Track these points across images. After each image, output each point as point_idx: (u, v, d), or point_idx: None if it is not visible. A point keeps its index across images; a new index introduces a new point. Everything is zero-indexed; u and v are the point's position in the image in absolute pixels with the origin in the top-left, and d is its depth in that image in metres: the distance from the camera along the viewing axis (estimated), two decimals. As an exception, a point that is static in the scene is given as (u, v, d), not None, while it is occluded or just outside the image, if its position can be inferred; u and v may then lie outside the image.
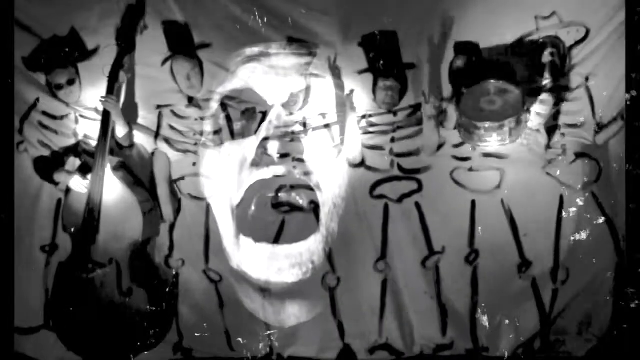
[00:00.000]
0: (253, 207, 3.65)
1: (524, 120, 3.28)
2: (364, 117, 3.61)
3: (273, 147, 3.61)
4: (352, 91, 3.53)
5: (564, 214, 3.49)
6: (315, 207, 3.61)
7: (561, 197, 3.50)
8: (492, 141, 3.28)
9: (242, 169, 3.61)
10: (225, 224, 3.61)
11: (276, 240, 3.62)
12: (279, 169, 3.61)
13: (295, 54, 3.53)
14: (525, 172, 3.52)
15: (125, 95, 3.63)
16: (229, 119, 3.66)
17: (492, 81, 3.35)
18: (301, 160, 3.64)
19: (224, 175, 3.61)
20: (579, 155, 3.48)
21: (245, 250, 3.60)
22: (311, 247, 3.58)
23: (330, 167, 3.61)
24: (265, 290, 3.63)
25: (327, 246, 3.60)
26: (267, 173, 3.63)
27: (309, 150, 3.64)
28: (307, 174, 3.62)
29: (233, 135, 3.66)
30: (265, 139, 3.61)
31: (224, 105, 3.65)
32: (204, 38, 3.57)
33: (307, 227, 3.62)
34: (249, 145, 3.60)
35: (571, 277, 3.50)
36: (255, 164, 3.61)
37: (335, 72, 3.56)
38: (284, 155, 3.63)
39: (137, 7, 3.54)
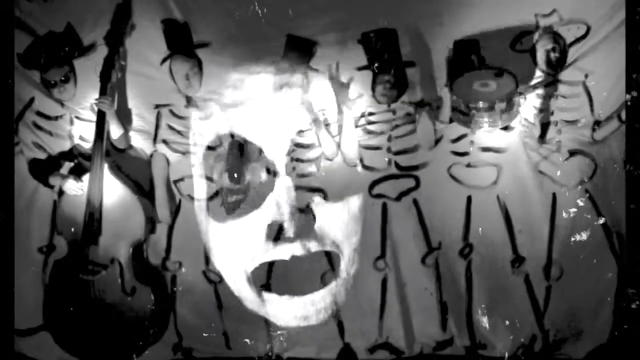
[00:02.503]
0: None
1: (516, 103, 3.26)
2: (362, 115, 3.60)
3: (289, 227, 3.38)
4: (350, 81, 3.50)
5: (557, 211, 3.49)
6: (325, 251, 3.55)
7: (554, 194, 3.50)
8: (484, 123, 3.23)
9: (253, 243, 3.44)
10: (242, 288, 3.52)
11: (299, 291, 3.52)
12: (297, 249, 3.39)
13: (295, 52, 3.50)
14: (521, 168, 3.52)
15: (117, 95, 3.58)
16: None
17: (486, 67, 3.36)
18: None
19: (233, 250, 3.49)
20: (574, 153, 3.48)
21: (271, 305, 3.52)
22: (332, 291, 3.51)
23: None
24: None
25: (349, 286, 3.55)
26: (284, 253, 3.42)
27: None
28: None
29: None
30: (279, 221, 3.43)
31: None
32: (203, 37, 3.54)
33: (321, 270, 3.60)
34: (256, 221, 3.44)
35: (565, 275, 3.50)
36: (270, 238, 3.44)
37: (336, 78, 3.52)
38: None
39: (125, 6, 3.48)
